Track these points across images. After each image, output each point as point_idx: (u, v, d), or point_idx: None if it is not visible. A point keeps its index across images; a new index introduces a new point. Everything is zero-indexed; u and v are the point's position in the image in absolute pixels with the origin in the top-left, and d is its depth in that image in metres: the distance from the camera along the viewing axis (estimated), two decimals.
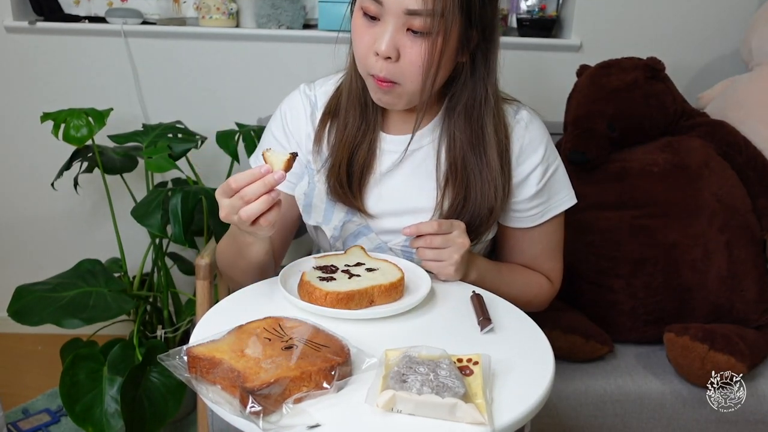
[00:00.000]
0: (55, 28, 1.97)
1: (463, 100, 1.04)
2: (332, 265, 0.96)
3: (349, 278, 0.92)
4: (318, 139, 1.10)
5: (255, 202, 0.85)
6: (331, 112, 1.10)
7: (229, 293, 0.99)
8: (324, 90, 1.13)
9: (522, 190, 1.08)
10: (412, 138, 1.06)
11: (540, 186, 1.09)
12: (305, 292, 0.89)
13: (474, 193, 1.04)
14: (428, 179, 1.08)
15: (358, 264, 0.97)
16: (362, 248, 1.03)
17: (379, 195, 1.09)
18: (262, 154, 0.88)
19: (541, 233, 1.12)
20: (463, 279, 1.02)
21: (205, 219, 1.66)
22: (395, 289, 0.90)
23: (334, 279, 0.91)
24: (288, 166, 0.87)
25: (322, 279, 0.91)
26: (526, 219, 1.11)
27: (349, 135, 1.07)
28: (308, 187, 1.12)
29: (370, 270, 0.95)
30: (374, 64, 0.96)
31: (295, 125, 1.12)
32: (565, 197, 1.12)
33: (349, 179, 1.07)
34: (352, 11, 1.02)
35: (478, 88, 1.03)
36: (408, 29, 0.94)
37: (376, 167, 1.09)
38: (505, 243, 1.16)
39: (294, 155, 0.88)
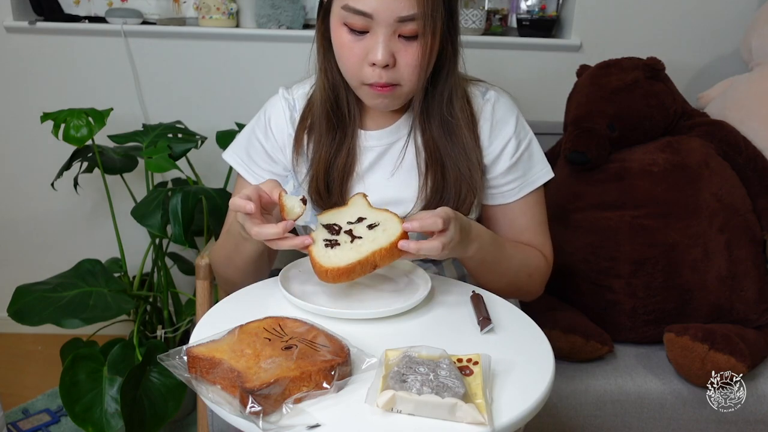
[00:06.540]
0: (55, 28, 1.97)
1: (436, 87, 1.06)
2: (335, 224, 0.94)
3: (352, 241, 0.91)
4: (298, 152, 1.12)
5: (269, 230, 0.87)
6: (306, 128, 1.11)
7: (227, 294, 0.99)
8: (302, 92, 1.15)
9: (497, 165, 1.10)
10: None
11: (514, 159, 1.10)
12: (311, 259, 0.89)
13: (451, 175, 1.06)
14: (408, 169, 1.10)
15: (360, 219, 0.95)
16: (364, 196, 1.00)
17: (364, 192, 1.09)
18: (279, 197, 0.90)
19: (523, 207, 1.13)
20: (465, 253, 0.99)
21: (205, 219, 1.66)
22: (396, 250, 0.88)
23: (338, 244, 0.90)
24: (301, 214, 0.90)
25: (327, 245, 0.90)
26: (505, 194, 1.12)
27: (324, 148, 1.09)
28: (294, 191, 1.12)
29: (371, 227, 0.93)
30: (371, 74, 0.98)
31: (278, 128, 1.14)
32: (541, 171, 1.14)
33: (328, 189, 1.09)
34: (322, 24, 1.04)
35: (447, 74, 1.06)
36: (399, 35, 0.96)
37: (357, 166, 1.11)
38: (490, 224, 1.16)
39: (304, 200, 0.91)
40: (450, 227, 0.89)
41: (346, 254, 0.88)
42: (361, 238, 0.91)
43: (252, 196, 0.88)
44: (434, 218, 0.87)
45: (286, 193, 0.91)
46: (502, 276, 1.08)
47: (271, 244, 0.89)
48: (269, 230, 0.87)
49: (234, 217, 0.96)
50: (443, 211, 0.89)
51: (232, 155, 1.18)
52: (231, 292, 0.98)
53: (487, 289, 1.01)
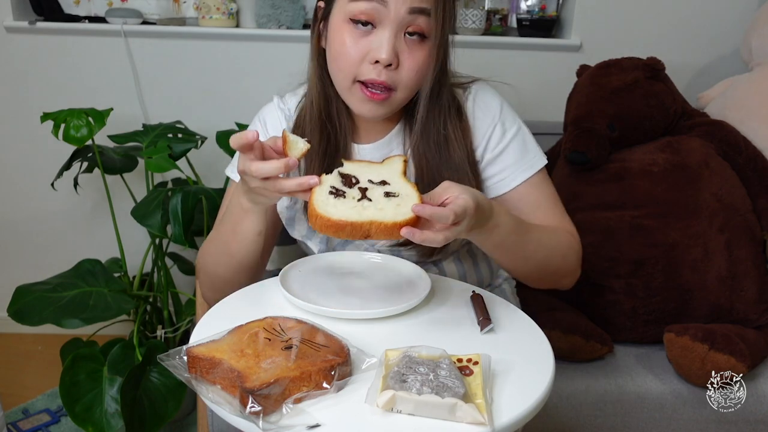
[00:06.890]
0: (55, 28, 1.97)
1: (428, 102, 1.03)
2: (354, 177, 0.87)
3: (359, 200, 0.84)
4: None
5: (271, 164, 0.83)
6: None
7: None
8: (294, 103, 1.14)
9: (485, 155, 1.08)
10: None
11: (501, 147, 1.07)
12: (309, 199, 0.84)
13: None
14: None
15: (383, 182, 0.87)
16: (405, 161, 0.91)
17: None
18: (283, 132, 0.86)
19: (526, 190, 1.08)
20: (471, 237, 0.93)
21: (205, 219, 1.66)
22: (396, 231, 0.81)
23: (344, 197, 0.84)
24: (302, 156, 0.86)
25: (332, 192, 0.84)
26: (499, 185, 1.08)
27: (317, 162, 1.06)
28: (290, 201, 1.12)
29: (388, 195, 0.85)
30: (370, 70, 0.96)
31: (275, 133, 1.11)
32: (534, 158, 1.09)
33: None
34: (321, 25, 1.02)
35: (440, 89, 1.03)
36: (406, 33, 0.95)
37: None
38: None
39: (310, 141, 0.87)
40: (462, 223, 0.83)
41: (345, 210, 0.82)
42: (370, 201, 0.84)
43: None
44: (448, 212, 0.80)
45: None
46: (527, 261, 1.02)
47: (273, 184, 0.84)
48: (270, 165, 0.82)
49: (232, 194, 0.93)
50: (462, 206, 0.82)
51: (231, 168, 1.16)
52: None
53: (515, 276, 0.98)
